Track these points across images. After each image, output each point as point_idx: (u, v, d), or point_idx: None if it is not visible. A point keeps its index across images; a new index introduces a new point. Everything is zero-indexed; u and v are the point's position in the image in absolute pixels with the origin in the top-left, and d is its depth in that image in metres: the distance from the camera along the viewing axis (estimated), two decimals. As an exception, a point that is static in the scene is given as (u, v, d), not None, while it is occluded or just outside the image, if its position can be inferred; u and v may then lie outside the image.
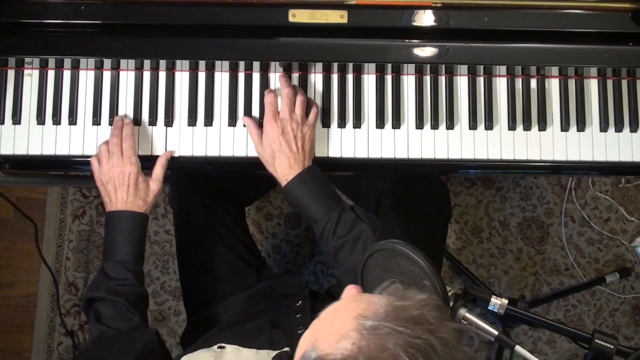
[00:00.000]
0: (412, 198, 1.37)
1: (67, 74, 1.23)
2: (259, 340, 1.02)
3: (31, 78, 1.22)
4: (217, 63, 1.22)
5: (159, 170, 1.18)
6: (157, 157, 1.20)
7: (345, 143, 1.22)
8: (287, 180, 1.14)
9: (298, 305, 1.21)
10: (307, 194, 1.14)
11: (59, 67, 1.22)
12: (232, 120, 1.22)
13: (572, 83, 1.24)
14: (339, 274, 1.15)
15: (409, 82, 1.24)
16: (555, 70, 1.24)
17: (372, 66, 1.22)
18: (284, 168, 1.14)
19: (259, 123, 1.20)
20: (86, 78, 1.23)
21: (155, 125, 1.22)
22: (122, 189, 1.14)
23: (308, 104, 1.20)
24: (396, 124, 1.22)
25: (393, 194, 1.37)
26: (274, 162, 1.15)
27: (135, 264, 1.14)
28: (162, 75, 1.23)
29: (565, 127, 1.23)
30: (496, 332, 0.91)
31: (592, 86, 1.24)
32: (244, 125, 1.22)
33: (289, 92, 1.17)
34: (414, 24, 1.17)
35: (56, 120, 1.22)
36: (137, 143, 1.21)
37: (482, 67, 1.23)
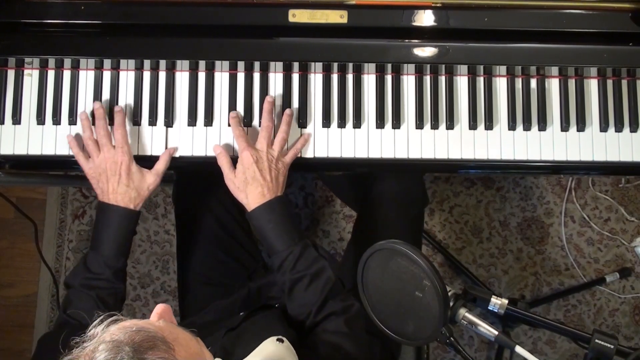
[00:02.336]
0: (386, 186, 1.37)
1: (67, 74, 1.23)
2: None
3: (31, 78, 1.22)
4: (217, 63, 1.22)
5: (161, 164, 1.17)
6: (157, 157, 1.20)
7: (345, 143, 1.22)
8: (256, 205, 1.13)
9: (275, 307, 1.21)
10: (274, 223, 1.12)
11: (59, 67, 1.22)
12: (232, 120, 1.22)
13: (572, 83, 1.24)
14: (290, 308, 1.12)
15: (409, 82, 1.24)
16: (555, 70, 1.24)
17: (372, 66, 1.22)
18: (256, 196, 1.12)
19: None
20: (86, 78, 1.23)
21: (155, 125, 1.22)
22: (113, 179, 1.13)
23: (297, 142, 1.19)
24: (396, 124, 1.22)
25: (367, 185, 1.38)
26: (246, 188, 1.13)
27: (117, 259, 1.13)
28: (162, 75, 1.23)
29: (565, 127, 1.23)
30: (496, 332, 0.91)
31: (592, 86, 1.24)
32: (244, 125, 1.22)
33: (269, 127, 1.16)
34: (414, 24, 1.17)
35: (56, 120, 1.21)
36: (137, 144, 1.21)
37: (482, 67, 1.23)
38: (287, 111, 1.19)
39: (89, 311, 1.08)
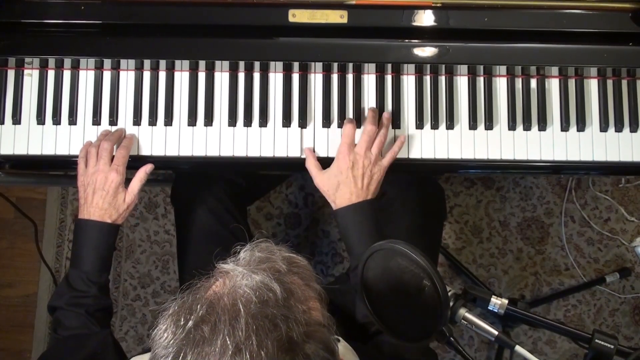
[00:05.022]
0: (407, 197, 1.37)
1: (67, 74, 1.23)
2: None
3: (31, 78, 1.22)
4: (217, 63, 1.22)
5: (136, 184, 1.17)
6: (157, 157, 1.20)
7: (345, 143, 1.22)
8: (343, 205, 1.14)
9: None
10: (360, 224, 1.13)
11: (59, 67, 1.22)
12: (232, 120, 1.22)
13: (572, 83, 1.24)
14: (360, 309, 1.14)
15: (409, 82, 1.24)
16: (555, 70, 1.24)
17: (372, 66, 1.22)
18: (344, 199, 1.14)
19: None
20: (86, 78, 1.23)
21: (155, 125, 1.22)
22: (99, 194, 1.13)
23: (394, 145, 1.19)
24: (396, 124, 1.22)
25: (388, 194, 1.38)
26: (335, 192, 1.15)
27: (100, 275, 1.13)
28: (162, 75, 1.23)
29: (565, 127, 1.23)
30: (496, 332, 0.91)
31: (592, 86, 1.24)
32: (244, 126, 1.22)
33: (371, 130, 1.17)
34: (414, 24, 1.17)
35: (56, 120, 1.22)
36: (137, 144, 1.21)
37: (482, 67, 1.23)
38: (385, 114, 1.21)
39: (80, 329, 1.09)
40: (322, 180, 1.17)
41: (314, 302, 0.72)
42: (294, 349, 0.65)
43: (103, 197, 1.13)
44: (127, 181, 1.17)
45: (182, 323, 0.66)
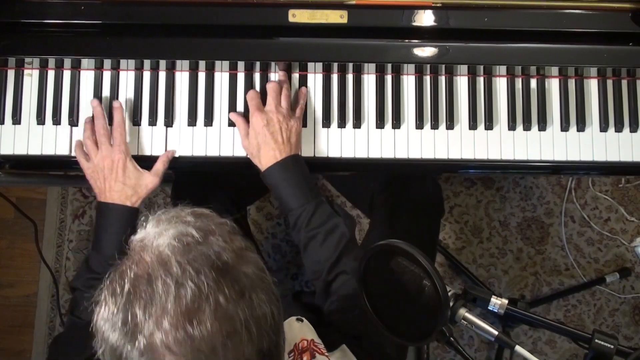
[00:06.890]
0: (404, 195, 1.37)
1: (67, 74, 1.23)
2: None
3: (31, 78, 1.22)
4: (217, 63, 1.22)
5: (160, 165, 1.18)
6: (157, 157, 1.20)
7: (345, 143, 1.22)
8: (269, 164, 1.13)
9: None
10: (287, 181, 1.12)
11: (59, 67, 1.22)
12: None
13: (572, 83, 1.24)
14: (306, 265, 1.14)
15: (409, 82, 1.24)
16: (555, 70, 1.24)
17: (372, 66, 1.22)
18: (269, 159, 1.13)
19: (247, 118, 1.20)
20: (86, 78, 1.23)
21: (155, 125, 1.22)
22: (110, 177, 1.13)
23: (296, 99, 1.20)
24: (396, 124, 1.22)
25: (385, 192, 1.38)
26: (259, 153, 1.14)
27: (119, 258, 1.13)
28: (162, 75, 1.23)
29: (565, 127, 1.23)
30: (496, 332, 0.91)
31: (592, 86, 1.24)
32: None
33: (275, 86, 1.17)
34: (414, 24, 1.17)
35: (56, 120, 1.22)
36: (137, 144, 1.21)
37: (482, 67, 1.23)
38: (279, 73, 1.22)
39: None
40: (245, 146, 1.17)
41: (230, 234, 0.75)
42: (231, 271, 0.69)
43: (115, 178, 1.13)
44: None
45: (118, 291, 0.69)
